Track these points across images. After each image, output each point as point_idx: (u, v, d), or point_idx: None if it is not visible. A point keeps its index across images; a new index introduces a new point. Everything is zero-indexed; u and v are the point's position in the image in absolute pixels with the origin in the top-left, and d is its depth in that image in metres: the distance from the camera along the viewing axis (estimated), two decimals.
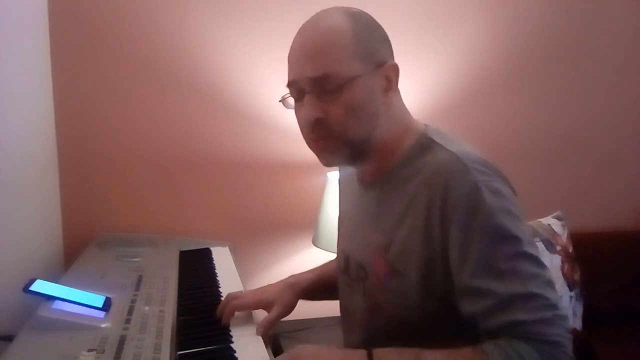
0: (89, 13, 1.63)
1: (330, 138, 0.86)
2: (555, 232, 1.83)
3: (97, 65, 1.66)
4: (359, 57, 0.84)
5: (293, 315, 1.09)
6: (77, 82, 1.64)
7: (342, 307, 1.05)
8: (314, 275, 1.13)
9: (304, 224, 1.83)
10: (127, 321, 0.98)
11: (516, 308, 0.73)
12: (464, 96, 1.96)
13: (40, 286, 0.98)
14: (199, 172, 1.79)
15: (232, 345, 0.96)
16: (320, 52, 0.84)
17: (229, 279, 1.35)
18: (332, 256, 1.63)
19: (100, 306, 1.00)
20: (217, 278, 1.35)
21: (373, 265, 0.89)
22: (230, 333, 1.01)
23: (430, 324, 0.84)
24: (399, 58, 0.92)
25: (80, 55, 1.64)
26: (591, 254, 1.92)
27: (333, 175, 1.69)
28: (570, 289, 1.78)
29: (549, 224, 1.84)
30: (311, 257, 1.87)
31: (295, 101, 0.89)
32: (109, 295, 1.06)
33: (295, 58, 0.87)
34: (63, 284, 1.05)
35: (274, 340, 1.65)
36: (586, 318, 1.80)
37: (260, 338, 1.00)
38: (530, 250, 0.77)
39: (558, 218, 1.88)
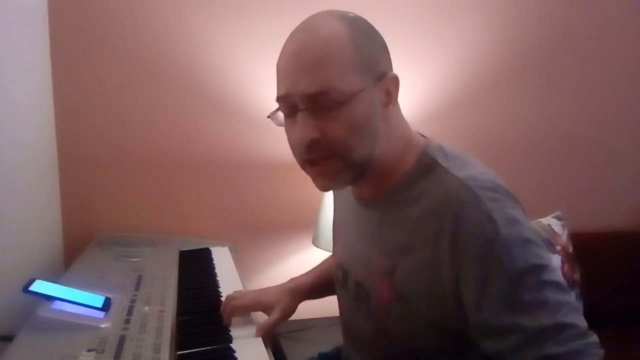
0: (89, 13, 1.63)
1: (330, 160, 0.78)
2: (555, 232, 1.83)
3: (97, 66, 1.66)
4: (359, 70, 0.75)
5: (293, 315, 1.09)
6: (77, 82, 1.64)
7: (344, 319, 1.02)
8: (313, 278, 1.12)
9: (304, 224, 1.83)
10: (127, 321, 0.98)
11: (546, 342, 0.68)
12: (464, 97, 1.96)
13: (40, 286, 0.98)
14: (199, 172, 1.79)
15: (232, 345, 0.96)
16: (317, 65, 0.74)
17: (229, 279, 1.35)
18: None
19: (100, 306, 1.00)
20: (217, 278, 1.35)
21: (376, 289, 0.84)
22: (230, 333, 1.01)
23: (441, 352, 0.81)
24: (397, 60, 0.88)
25: (80, 56, 1.64)
26: (591, 254, 1.92)
27: None
28: (570, 289, 1.78)
29: (549, 224, 1.84)
30: (311, 257, 1.87)
31: (286, 117, 0.81)
32: (108, 295, 1.06)
33: (287, 70, 0.78)
34: (63, 284, 1.05)
35: (274, 341, 1.65)
36: (586, 318, 1.80)
37: (260, 338, 1.00)
38: (552, 276, 0.72)
39: (558, 218, 1.88)
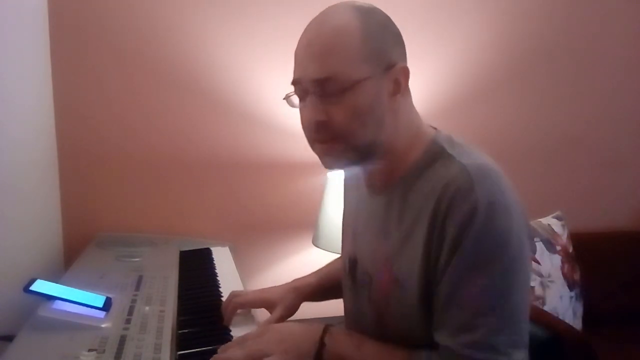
0: (89, 13, 1.63)
1: (333, 142, 0.82)
2: (555, 232, 1.83)
3: (97, 66, 1.66)
4: (366, 59, 0.79)
5: (293, 316, 1.09)
6: (77, 82, 1.65)
7: (347, 311, 1.03)
8: (317, 279, 1.12)
9: (304, 224, 1.83)
10: (127, 321, 0.98)
11: (452, 335, 0.75)
12: (464, 97, 1.96)
13: (40, 286, 0.98)
14: (199, 172, 1.79)
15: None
16: (325, 53, 0.79)
17: (229, 279, 1.35)
18: (333, 256, 1.63)
19: (101, 306, 1.00)
20: (217, 278, 1.35)
21: (378, 275, 0.88)
22: (231, 333, 1.01)
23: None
24: None
25: (80, 55, 1.64)
26: (591, 254, 1.92)
27: (333, 176, 1.69)
28: (570, 289, 1.78)
29: (549, 224, 1.84)
30: (311, 257, 1.87)
31: (300, 100, 0.86)
32: (109, 295, 1.06)
33: (300, 57, 0.84)
34: (63, 284, 1.05)
35: None
36: (586, 318, 1.80)
37: None
38: (502, 286, 0.74)
39: (558, 218, 1.88)
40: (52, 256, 1.56)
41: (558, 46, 2.05)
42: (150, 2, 1.67)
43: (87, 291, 1.04)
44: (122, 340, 0.90)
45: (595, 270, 1.89)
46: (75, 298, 0.99)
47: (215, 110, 1.76)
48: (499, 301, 0.74)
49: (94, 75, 1.66)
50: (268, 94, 1.80)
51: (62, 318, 0.94)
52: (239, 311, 1.08)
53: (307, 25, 0.85)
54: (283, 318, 1.05)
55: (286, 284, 1.10)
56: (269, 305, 1.06)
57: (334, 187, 1.65)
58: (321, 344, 0.81)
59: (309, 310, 1.13)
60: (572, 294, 1.78)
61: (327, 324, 0.85)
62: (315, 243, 1.70)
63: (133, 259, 1.39)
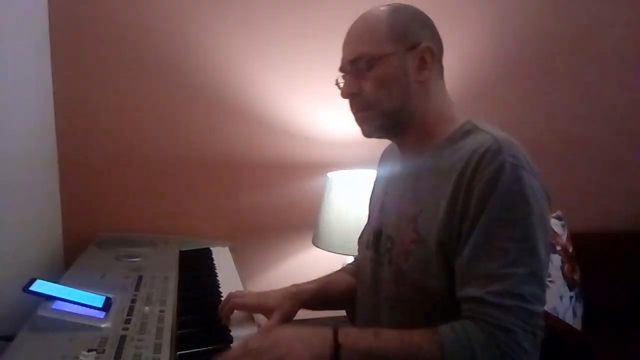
0: (89, 13, 1.63)
1: (365, 110, 0.96)
2: (555, 232, 1.83)
3: (97, 66, 1.66)
4: (391, 39, 0.92)
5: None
6: (77, 82, 1.65)
7: (365, 284, 1.05)
8: (316, 286, 1.11)
9: (304, 224, 1.83)
10: (127, 321, 0.98)
11: (481, 286, 0.79)
12: (463, 97, 1.95)
13: (40, 286, 0.98)
14: (199, 172, 1.79)
15: (232, 345, 0.96)
16: (356, 38, 0.96)
17: (229, 279, 1.35)
18: (333, 256, 1.63)
19: (100, 306, 1.00)
20: (217, 278, 1.35)
21: (401, 235, 0.93)
22: (231, 333, 1.01)
23: (451, 292, 0.85)
24: None
25: (80, 56, 1.64)
26: (591, 254, 1.92)
27: (333, 176, 1.69)
28: (570, 289, 1.78)
29: None
30: (311, 257, 1.87)
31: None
32: (109, 295, 1.06)
33: (343, 46, 0.99)
34: (63, 284, 1.05)
35: None
36: (586, 318, 1.80)
37: None
38: (529, 240, 0.80)
39: (558, 218, 1.88)
40: (52, 256, 1.56)
41: (558, 46, 2.05)
42: (150, 3, 1.67)
43: (87, 291, 1.04)
44: (122, 341, 0.90)
45: (595, 270, 1.89)
46: (75, 298, 0.99)
47: (215, 110, 1.76)
48: (526, 253, 0.79)
49: (94, 76, 1.66)
50: (268, 94, 1.80)
51: (62, 318, 0.94)
52: (236, 312, 1.08)
53: None
54: (281, 323, 1.04)
55: (284, 288, 1.09)
56: (266, 311, 1.05)
57: (334, 187, 1.65)
58: (336, 344, 0.80)
59: (310, 310, 1.13)
60: (572, 294, 1.78)
61: (334, 325, 0.83)
62: (315, 243, 1.70)
63: (133, 259, 1.39)
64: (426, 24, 0.97)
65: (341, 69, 0.99)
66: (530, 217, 0.80)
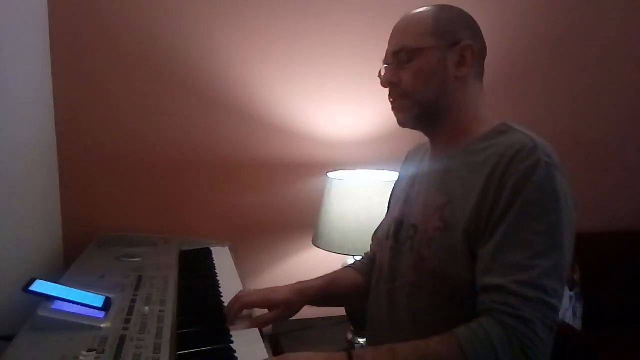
0: (89, 13, 1.63)
1: (401, 99, 0.98)
2: None
3: (97, 66, 1.66)
4: (434, 34, 0.95)
5: (295, 316, 1.09)
6: (77, 83, 1.65)
7: (379, 272, 1.06)
8: (322, 283, 1.13)
9: (304, 224, 1.83)
10: (127, 321, 0.98)
11: (505, 275, 0.80)
12: None
13: (40, 286, 0.98)
14: (199, 172, 1.79)
15: (232, 345, 0.96)
16: (400, 32, 0.99)
17: (229, 279, 1.35)
18: (333, 256, 1.63)
19: (100, 306, 1.00)
20: (217, 278, 1.35)
21: (426, 223, 0.95)
22: (230, 333, 1.01)
23: (470, 281, 0.86)
24: None
25: (80, 55, 1.64)
26: (591, 254, 1.92)
27: (333, 176, 1.69)
28: (570, 289, 1.78)
29: None
30: (311, 257, 1.87)
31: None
32: (108, 295, 1.06)
33: (389, 40, 1.02)
34: (63, 284, 1.05)
35: (274, 341, 1.65)
36: (586, 318, 1.80)
37: (260, 338, 1.00)
38: (556, 236, 0.81)
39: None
40: (52, 256, 1.56)
41: (558, 47, 2.05)
42: (150, 3, 1.67)
43: (86, 291, 1.04)
44: (122, 341, 0.90)
45: (595, 270, 1.89)
46: (75, 298, 0.99)
47: (215, 110, 1.76)
48: (553, 248, 0.81)
49: (94, 76, 1.66)
50: (268, 94, 1.80)
51: (62, 318, 0.93)
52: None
53: None
54: (283, 317, 1.06)
55: (291, 285, 1.11)
56: (273, 306, 1.07)
57: (334, 187, 1.65)
58: None
59: (310, 310, 1.13)
60: (572, 294, 1.78)
61: (347, 349, 0.83)
62: (315, 243, 1.70)
63: (133, 259, 1.39)
64: (471, 25, 1.00)
65: (384, 61, 1.02)
66: (559, 213, 0.82)
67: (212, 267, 1.45)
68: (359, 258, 1.27)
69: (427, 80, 0.96)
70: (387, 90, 1.02)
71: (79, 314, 0.96)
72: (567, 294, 1.76)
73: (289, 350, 1.59)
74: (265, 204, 1.84)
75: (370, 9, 1.79)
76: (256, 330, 1.03)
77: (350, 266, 1.23)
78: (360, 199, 1.57)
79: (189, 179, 1.78)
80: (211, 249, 1.60)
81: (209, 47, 1.73)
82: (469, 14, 1.01)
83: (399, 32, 1.00)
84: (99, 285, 1.14)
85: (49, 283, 1.00)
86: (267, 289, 1.11)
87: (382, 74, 1.02)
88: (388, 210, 1.19)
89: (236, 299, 1.08)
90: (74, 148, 1.67)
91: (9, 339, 0.90)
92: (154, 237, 1.63)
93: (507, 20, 1.98)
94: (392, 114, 1.02)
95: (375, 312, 1.06)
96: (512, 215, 0.82)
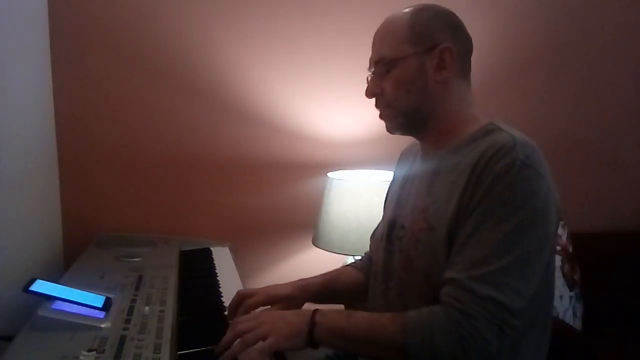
0: (89, 13, 1.63)
1: (386, 109, 1.00)
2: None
3: (97, 66, 1.66)
4: (410, 42, 0.95)
5: None
6: (77, 83, 1.65)
7: (374, 273, 1.08)
8: (323, 280, 1.14)
9: (304, 224, 1.83)
10: (127, 321, 0.98)
11: (462, 270, 0.82)
12: None
13: (40, 286, 0.98)
14: (199, 172, 1.79)
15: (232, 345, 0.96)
16: (379, 41, 1.00)
17: (229, 279, 1.35)
18: (333, 256, 1.63)
19: (100, 306, 1.00)
20: (217, 278, 1.35)
21: (413, 224, 0.96)
22: None
23: None
24: None
25: (80, 56, 1.64)
26: (591, 254, 1.92)
27: (333, 176, 1.69)
28: (570, 289, 1.77)
29: None
30: (311, 257, 1.87)
31: None
32: (109, 295, 1.06)
33: (371, 46, 1.02)
34: (63, 284, 1.05)
35: None
36: (586, 318, 1.80)
37: None
38: (519, 236, 0.82)
39: (558, 216, 1.87)
40: (52, 256, 1.56)
41: (558, 46, 2.05)
42: (150, 3, 1.67)
43: (87, 291, 1.04)
44: (122, 341, 0.90)
45: (595, 270, 1.89)
46: (75, 298, 0.99)
47: (215, 110, 1.76)
48: (514, 248, 0.81)
49: (93, 76, 1.66)
50: (268, 94, 1.80)
51: (62, 318, 0.93)
52: None
53: None
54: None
55: (292, 282, 1.11)
56: (275, 302, 1.07)
57: (334, 187, 1.65)
58: (312, 322, 0.88)
59: (310, 306, 1.13)
60: (572, 294, 1.77)
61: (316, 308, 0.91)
62: (315, 243, 1.70)
63: (133, 259, 1.39)
64: (449, 24, 0.99)
65: (368, 68, 1.03)
66: (528, 214, 0.82)
67: (212, 267, 1.45)
68: (359, 257, 1.27)
69: (407, 89, 0.96)
70: None
71: (79, 314, 0.96)
72: (567, 294, 1.76)
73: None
74: (265, 204, 1.84)
75: (370, 9, 1.79)
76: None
77: (351, 264, 1.24)
78: (360, 199, 1.57)
79: (189, 179, 1.78)
80: (211, 249, 1.60)
81: (209, 47, 1.73)
82: (448, 12, 1.00)
83: (377, 40, 1.00)
84: (99, 285, 1.14)
85: (49, 283, 1.00)
86: (268, 286, 1.12)
87: (368, 80, 1.03)
88: (384, 211, 1.20)
89: (238, 299, 1.07)
90: (74, 148, 1.67)
91: (9, 339, 0.90)
92: (154, 237, 1.63)
93: (506, 21, 1.98)
94: None
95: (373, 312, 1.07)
96: (480, 213, 0.84)
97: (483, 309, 0.79)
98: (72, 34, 1.62)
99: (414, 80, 0.96)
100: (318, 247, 1.68)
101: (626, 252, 2.05)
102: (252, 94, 1.79)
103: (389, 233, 1.05)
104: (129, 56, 1.68)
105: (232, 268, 1.45)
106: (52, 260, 1.55)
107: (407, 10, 0.98)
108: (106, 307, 1.01)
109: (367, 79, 1.03)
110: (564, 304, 1.74)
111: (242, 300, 1.06)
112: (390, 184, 1.20)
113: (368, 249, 1.25)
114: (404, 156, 1.20)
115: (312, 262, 1.86)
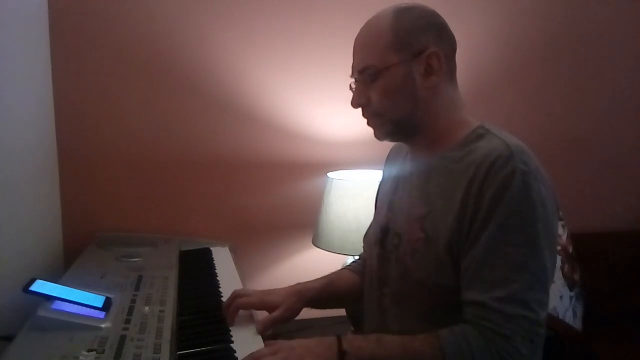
0: (89, 13, 1.63)
1: (374, 118, 0.97)
2: None
3: (97, 65, 1.66)
4: (394, 49, 0.91)
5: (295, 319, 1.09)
6: (77, 83, 1.65)
7: (373, 277, 1.06)
8: (320, 285, 1.12)
9: (304, 224, 1.83)
10: (127, 321, 0.98)
11: (485, 291, 0.81)
12: (463, 96, 1.96)
13: (40, 286, 0.98)
14: (199, 172, 1.79)
15: (232, 345, 0.96)
16: (361, 48, 0.96)
17: (229, 279, 1.35)
18: (333, 256, 1.63)
19: (100, 306, 1.00)
20: (217, 278, 1.35)
21: (408, 233, 0.95)
22: (230, 333, 1.01)
23: (453, 290, 0.87)
24: None
25: (80, 56, 1.64)
26: (591, 254, 1.92)
27: (333, 176, 1.69)
28: (570, 289, 1.78)
29: None
30: (311, 257, 1.87)
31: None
32: (109, 295, 1.06)
33: (353, 52, 0.99)
34: (63, 284, 1.05)
35: (273, 340, 1.65)
36: (586, 318, 1.80)
37: (260, 338, 1.00)
38: (534, 247, 0.81)
39: (558, 218, 1.88)
40: (52, 256, 1.56)
41: (558, 46, 2.05)
42: (150, 3, 1.67)
43: (86, 291, 1.04)
44: (122, 341, 0.90)
45: (595, 270, 1.89)
46: (75, 298, 0.99)
47: (215, 110, 1.76)
48: (532, 260, 0.81)
49: (94, 76, 1.66)
50: (268, 94, 1.80)
51: (62, 318, 0.94)
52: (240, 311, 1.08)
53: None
54: (283, 318, 1.05)
55: (289, 286, 1.10)
56: (271, 308, 1.06)
57: (334, 187, 1.65)
58: (340, 352, 0.84)
59: (310, 310, 1.13)
60: (572, 294, 1.77)
61: (337, 334, 0.87)
62: (315, 243, 1.70)
63: (133, 259, 1.39)
64: (432, 25, 0.95)
65: (351, 75, 1.00)
66: (537, 224, 0.82)
67: (212, 267, 1.45)
68: (350, 260, 1.27)
69: (395, 98, 0.93)
70: None
71: (79, 314, 0.96)
72: (567, 294, 1.76)
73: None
74: (265, 204, 1.85)
75: (370, 8, 1.79)
76: (255, 329, 1.03)
77: (347, 267, 1.23)
78: (360, 199, 1.57)
79: (189, 179, 1.78)
80: (211, 249, 1.60)
81: (208, 47, 1.73)
82: (430, 11, 0.96)
83: (359, 47, 0.97)
84: (99, 285, 1.14)
85: (49, 283, 1.01)
86: (264, 290, 1.10)
87: (353, 86, 0.99)
88: (375, 211, 1.18)
89: (232, 299, 1.07)
90: (74, 148, 1.67)
91: (9, 339, 0.91)
92: (154, 237, 1.63)
93: (506, 20, 1.98)
94: None
95: (369, 318, 1.07)
96: (491, 229, 0.82)
97: (517, 326, 0.79)
98: (72, 34, 1.62)
99: (402, 89, 0.93)
100: (318, 247, 1.68)
101: (626, 252, 2.05)
102: (252, 94, 1.79)
103: (382, 239, 1.03)
104: (129, 56, 1.68)
105: (232, 268, 1.45)
106: (52, 260, 1.55)
107: (387, 12, 0.94)
108: (106, 307, 1.01)
109: (350, 86, 1.00)
110: (564, 304, 1.74)
111: (235, 299, 1.06)
112: (381, 183, 1.19)
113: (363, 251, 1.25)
114: (392, 155, 1.18)
115: (312, 262, 1.86)
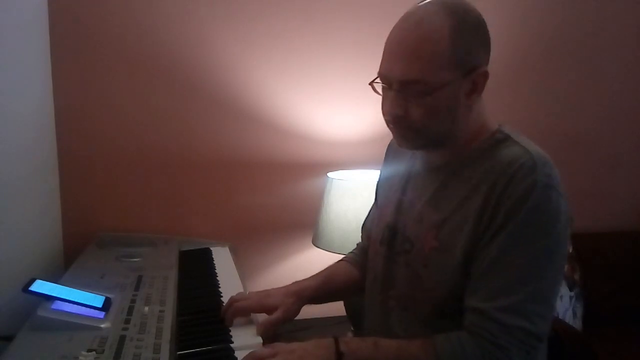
0: (89, 13, 1.63)
1: (409, 132, 0.90)
2: None
3: (97, 65, 1.66)
4: (451, 65, 0.84)
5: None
6: (77, 83, 1.64)
7: (376, 276, 1.04)
8: (317, 282, 1.12)
9: (304, 224, 1.83)
10: (127, 321, 0.98)
11: (488, 299, 0.81)
12: None
13: (40, 286, 0.98)
14: (199, 172, 1.79)
15: (231, 345, 0.96)
16: (413, 57, 0.84)
17: (229, 279, 1.35)
18: (333, 256, 1.63)
19: (100, 306, 1.00)
20: (217, 278, 1.35)
21: (421, 240, 0.93)
22: (230, 333, 1.01)
23: (462, 298, 0.87)
24: None
25: (80, 56, 1.64)
26: (591, 254, 1.92)
27: (333, 176, 1.69)
28: (570, 289, 1.78)
29: None
30: (311, 257, 1.87)
31: (383, 90, 0.91)
32: (108, 295, 1.06)
33: (390, 54, 0.87)
34: (63, 284, 1.05)
35: (273, 341, 1.65)
36: (586, 318, 1.80)
37: (259, 338, 1.00)
38: (542, 260, 0.81)
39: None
40: (52, 256, 1.56)
41: (558, 46, 2.05)
42: (150, 3, 1.67)
43: (86, 291, 1.04)
44: (122, 341, 0.90)
45: (595, 270, 1.89)
46: (75, 298, 0.99)
47: (216, 110, 1.76)
48: (539, 274, 0.80)
49: (94, 76, 1.66)
50: (268, 94, 1.80)
51: (62, 318, 0.94)
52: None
53: (401, 20, 0.88)
54: (283, 320, 1.04)
55: (286, 287, 1.09)
56: (269, 310, 1.05)
57: (334, 187, 1.65)
58: (339, 353, 0.84)
59: (310, 309, 1.13)
60: (572, 294, 1.78)
61: (334, 336, 0.88)
62: (315, 243, 1.70)
63: (133, 259, 1.39)
64: (485, 40, 0.90)
65: (386, 82, 0.89)
66: (549, 238, 0.81)
67: (212, 267, 1.45)
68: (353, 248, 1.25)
69: (438, 119, 0.87)
70: None
71: (79, 314, 0.96)
72: (567, 294, 1.76)
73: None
74: (265, 204, 1.84)
75: (370, 8, 1.79)
76: (255, 330, 1.03)
77: (344, 259, 1.22)
78: (360, 199, 1.57)
79: (189, 179, 1.78)
80: (211, 249, 1.60)
81: (209, 47, 1.73)
82: (483, 20, 0.89)
83: (410, 55, 0.84)
84: (99, 285, 1.14)
85: (49, 283, 1.01)
86: (261, 292, 1.10)
87: (376, 83, 0.92)
88: (376, 201, 1.15)
89: (230, 303, 1.07)
90: (74, 148, 1.67)
91: (9, 339, 0.91)
92: (154, 237, 1.63)
93: (506, 20, 1.97)
94: None
95: (370, 317, 1.06)
96: (503, 238, 0.81)
97: (513, 338, 0.79)
98: (72, 34, 1.62)
99: (447, 108, 0.87)
100: (318, 247, 1.68)
101: (626, 252, 2.05)
102: (252, 94, 1.79)
103: (390, 240, 1.01)
104: (129, 56, 1.68)
105: (232, 268, 1.45)
106: (52, 260, 1.55)
107: (441, 16, 0.83)
108: (106, 307, 1.01)
109: (374, 88, 0.92)
110: (564, 304, 1.74)
111: (233, 304, 1.05)
112: (382, 176, 1.15)
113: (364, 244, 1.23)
114: (394, 149, 1.12)
115: (312, 262, 1.86)
